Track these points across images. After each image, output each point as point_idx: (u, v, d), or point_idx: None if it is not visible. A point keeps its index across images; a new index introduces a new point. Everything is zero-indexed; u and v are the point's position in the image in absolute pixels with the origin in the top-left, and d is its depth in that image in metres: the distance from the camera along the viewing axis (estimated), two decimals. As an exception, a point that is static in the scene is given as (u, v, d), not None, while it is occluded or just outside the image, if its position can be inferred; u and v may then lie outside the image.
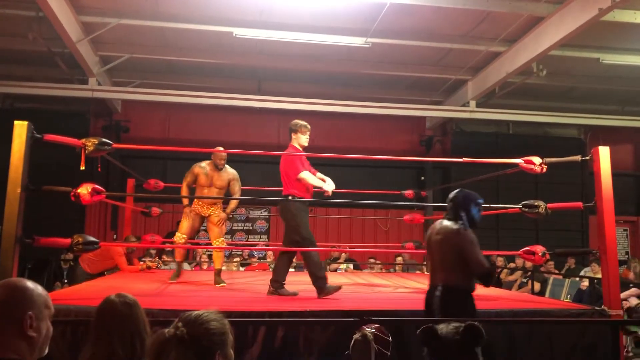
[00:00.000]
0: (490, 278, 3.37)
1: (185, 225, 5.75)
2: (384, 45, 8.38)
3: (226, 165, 5.89)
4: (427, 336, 1.82)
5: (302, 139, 4.94)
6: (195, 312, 1.59)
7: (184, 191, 5.85)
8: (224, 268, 6.41)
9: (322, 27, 7.94)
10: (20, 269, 4.79)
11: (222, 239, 5.84)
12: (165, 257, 8.35)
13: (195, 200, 5.78)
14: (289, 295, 4.68)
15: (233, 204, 5.99)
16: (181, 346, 1.49)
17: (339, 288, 4.60)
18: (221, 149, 5.86)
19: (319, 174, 4.97)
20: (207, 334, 1.54)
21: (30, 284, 1.60)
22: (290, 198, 4.74)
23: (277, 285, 4.75)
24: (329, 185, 4.80)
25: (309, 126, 4.98)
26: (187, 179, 5.84)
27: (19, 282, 1.60)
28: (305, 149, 4.98)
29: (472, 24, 7.86)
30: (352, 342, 2.72)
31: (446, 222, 3.29)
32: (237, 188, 5.91)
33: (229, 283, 5.66)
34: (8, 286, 1.58)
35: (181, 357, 1.48)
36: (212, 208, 5.82)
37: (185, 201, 5.83)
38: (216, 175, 5.75)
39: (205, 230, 6.24)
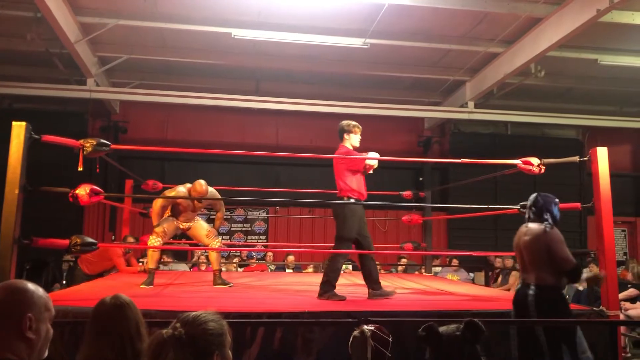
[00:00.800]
0: (578, 274, 3.54)
1: (161, 232, 5.48)
2: (382, 46, 8.38)
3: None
4: (429, 334, 1.82)
5: (354, 139, 4.90)
6: (194, 313, 1.59)
7: (157, 214, 5.51)
8: (223, 269, 6.38)
9: (320, 28, 7.94)
10: (19, 270, 4.78)
11: (218, 239, 5.78)
12: (165, 258, 8.34)
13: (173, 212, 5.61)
14: (386, 296, 4.64)
15: (219, 219, 5.89)
16: (179, 347, 1.49)
17: (343, 298, 4.53)
18: (203, 184, 5.35)
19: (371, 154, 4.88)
20: (205, 334, 1.53)
21: (31, 285, 1.60)
22: (345, 200, 4.73)
23: (377, 286, 4.69)
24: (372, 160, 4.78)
25: (360, 126, 4.94)
26: (166, 201, 5.52)
27: (19, 283, 1.60)
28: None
29: (471, 25, 7.87)
30: (351, 339, 2.73)
31: (532, 224, 3.53)
32: (218, 206, 5.82)
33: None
34: (9, 287, 1.59)
35: (179, 357, 1.48)
36: (194, 220, 5.69)
37: (156, 221, 5.51)
38: (197, 201, 5.52)
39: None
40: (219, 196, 5.70)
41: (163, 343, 1.50)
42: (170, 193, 5.54)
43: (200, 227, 5.69)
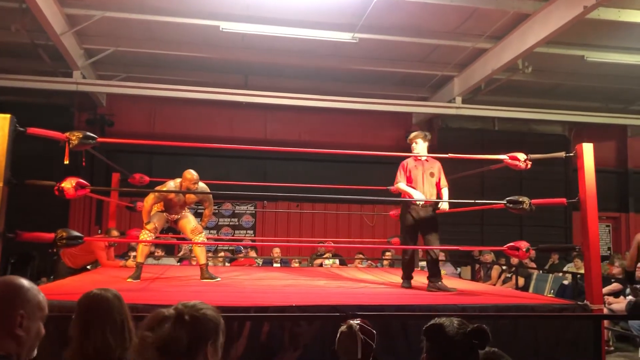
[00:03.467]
0: None
1: (153, 229, 5.46)
2: (371, 41, 8.38)
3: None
4: (434, 333, 1.80)
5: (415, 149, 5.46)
6: (194, 301, 1.60)
7: (148, 212, 5.53)
8: (210, 263, 6.37)
9: (309, 22, 7.92)
10: (3, 263, 4.73)
11: (203, 233, 5.75)
12: (159, 252, 8.30)
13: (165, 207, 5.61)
14: (446, 291, 4.94)
15: (207, 216, 5.89)
16: (178, 324, 1.49)
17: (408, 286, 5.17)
18: (192, 172, 5.36)
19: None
20: (205, 319, 1.54)
21: (26, 283, 1.58)
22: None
23: (435, 279, 5.10)
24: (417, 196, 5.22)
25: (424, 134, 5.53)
26: (157, 197, 5.51)
27: (14, 279, 1.59)
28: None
29: (459, 21, 7.89)
30: (338, 334, 2.72)
31: None
32: (207, 203, 5.80)
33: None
34: (4, 283, 1.58)
35: (175, 334, 1.47)
36: (183, 211, 5.69)
37: (147, 219, 5.53)
38: (188, 194, 5.54)
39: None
40: (209, 191, 5.68)
41: (162, 318, 1.50)
42: (161, 189, 5.51)
43: (188, 221, 5.67)
